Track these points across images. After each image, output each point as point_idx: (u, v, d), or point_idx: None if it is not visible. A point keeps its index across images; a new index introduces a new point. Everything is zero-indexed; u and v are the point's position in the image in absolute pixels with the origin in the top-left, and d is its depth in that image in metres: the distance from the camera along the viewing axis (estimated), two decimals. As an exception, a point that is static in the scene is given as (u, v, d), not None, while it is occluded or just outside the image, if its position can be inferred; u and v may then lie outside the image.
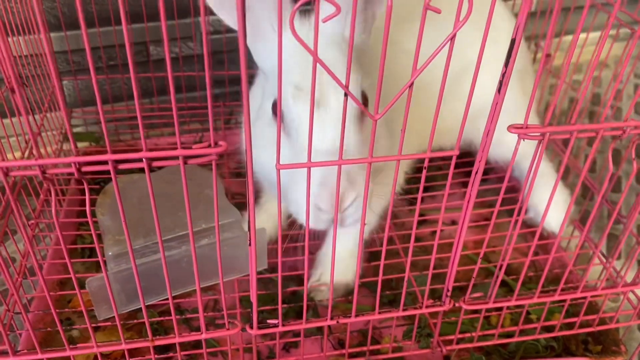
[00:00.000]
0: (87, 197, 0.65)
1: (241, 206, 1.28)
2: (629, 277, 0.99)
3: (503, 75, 0.64)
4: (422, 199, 1.38)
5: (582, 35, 1.40)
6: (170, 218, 0.98)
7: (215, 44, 1.57)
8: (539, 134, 0.70)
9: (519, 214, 0.81)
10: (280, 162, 0.65)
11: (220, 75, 1.57)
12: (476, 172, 0.72)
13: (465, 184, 1.43)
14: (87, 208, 0.66)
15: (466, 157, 1.43)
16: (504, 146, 1.06)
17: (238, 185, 1.39)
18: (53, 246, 1.15)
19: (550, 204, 0.83)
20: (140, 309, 0.97)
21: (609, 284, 0.99)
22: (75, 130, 1.48)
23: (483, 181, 1.20)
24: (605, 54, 1.18)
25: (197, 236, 0.98)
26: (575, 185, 0.80)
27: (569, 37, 1.83)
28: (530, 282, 1.19)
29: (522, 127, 0.69)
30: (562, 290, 0.94)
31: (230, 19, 0.86)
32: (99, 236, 1.21)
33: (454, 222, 1.34)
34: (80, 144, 1.48)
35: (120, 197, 0.98)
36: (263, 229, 1.01)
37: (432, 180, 1.38)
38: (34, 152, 0.62)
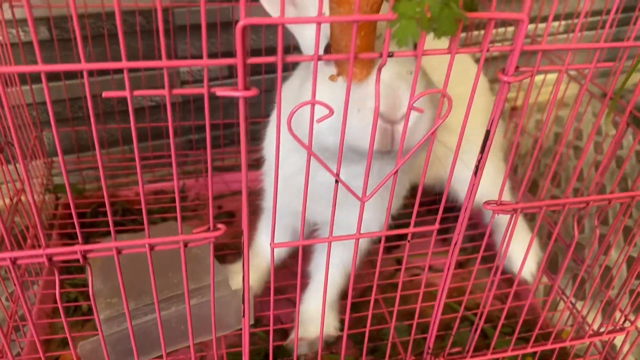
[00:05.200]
0: (57, 287, 0.68)
1: (227, 258, 1.31)
2: (591, 318, 1.06)
3: (479, 161, 0.69)
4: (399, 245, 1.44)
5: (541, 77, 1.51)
6: (159, 280, 1.01)
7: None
8: (511, 209, 0.76)
9: (494, 266, 0.86)
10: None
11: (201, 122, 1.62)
12: (455, 244, 0.77)
13: (442, 230, 1.49)
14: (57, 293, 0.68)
15: (442, 202, 1.50)
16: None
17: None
18: (38, 305, 1.16)
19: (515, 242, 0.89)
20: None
21: (579, 333, 1.06)
22: (57, 181, 1.49)
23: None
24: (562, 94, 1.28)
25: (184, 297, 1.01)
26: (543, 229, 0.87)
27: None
28: (503, 326, 1.25)
29: (495, 204, 0.75)
30: (534, 340, 1.00)
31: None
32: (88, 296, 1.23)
33: (430, 268, 1.40)
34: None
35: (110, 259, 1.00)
36: (250, 287, 1.05)
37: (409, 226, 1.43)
38: (41, 242, 0.65)
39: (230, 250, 1.32)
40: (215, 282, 1.05)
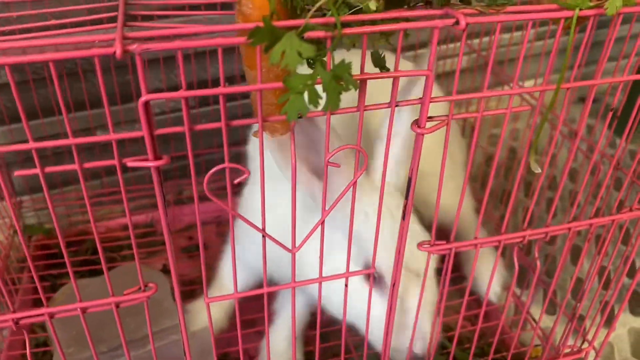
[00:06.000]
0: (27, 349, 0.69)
1: (195, 293, 1.31)
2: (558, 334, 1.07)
3: (405, 206, 0.70)
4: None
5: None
6: (116, 325, 1.02)
7: (160, 124, 1.62)
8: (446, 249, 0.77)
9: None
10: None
11: (167, 152, 1.63)
12: (394, 284, 0.78)
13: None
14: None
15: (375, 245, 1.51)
16: (432, 209, 1.16)
17: (190, 267, 1.42)
18: (6, 351, 1.17)
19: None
20: None
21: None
22: (28, 222, 1.51)
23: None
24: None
25: (144, 341, 1.02)
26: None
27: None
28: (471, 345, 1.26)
29: (429, 244, 0.76)
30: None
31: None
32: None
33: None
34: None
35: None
36: (205, 328, 1.06)
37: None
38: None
39: (197, 286, 1.33)
40: (173, 326, 1.06)
